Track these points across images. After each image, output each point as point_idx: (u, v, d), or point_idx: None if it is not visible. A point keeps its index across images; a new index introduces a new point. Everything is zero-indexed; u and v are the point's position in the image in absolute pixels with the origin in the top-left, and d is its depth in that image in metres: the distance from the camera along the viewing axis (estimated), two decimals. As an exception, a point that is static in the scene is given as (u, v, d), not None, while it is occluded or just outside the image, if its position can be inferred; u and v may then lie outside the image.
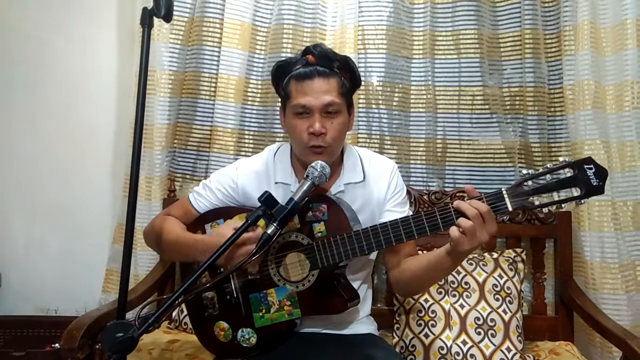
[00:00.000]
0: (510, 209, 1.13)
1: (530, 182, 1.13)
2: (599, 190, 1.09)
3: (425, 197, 1.96)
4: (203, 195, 1.45)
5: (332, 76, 1.32)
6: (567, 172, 1.10)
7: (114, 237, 2.14)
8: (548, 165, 1.13)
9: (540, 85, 1.99)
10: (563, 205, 1.11)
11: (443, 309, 1.69)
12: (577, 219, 1.92)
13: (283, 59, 1.43)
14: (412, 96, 2.08)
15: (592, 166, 1.10)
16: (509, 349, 1.62)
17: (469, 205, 1.12)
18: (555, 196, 1.11)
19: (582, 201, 1.10)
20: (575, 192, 1.09)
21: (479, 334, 1.64)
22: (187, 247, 1.32)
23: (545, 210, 1.13)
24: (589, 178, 1.09)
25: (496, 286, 1.72)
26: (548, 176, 1.12)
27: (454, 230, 1.13)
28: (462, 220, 1.12)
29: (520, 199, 1.13)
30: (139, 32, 2.04)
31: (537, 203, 1.12)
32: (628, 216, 1.90)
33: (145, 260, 2.05)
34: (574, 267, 1.92)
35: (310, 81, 1.30)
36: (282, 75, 1.36)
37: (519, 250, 1.86)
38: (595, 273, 1.86)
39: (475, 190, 1.17)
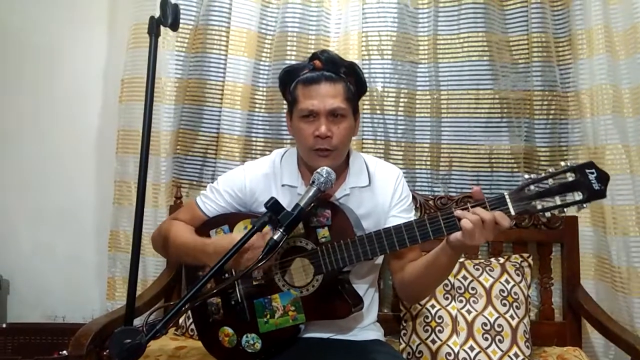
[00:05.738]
0: (512, 213, 1.13)
1: (532, 187, 1.13)
2: (601, 194, 1.09)
3: (430, 202, 1.95)
4: (211, 199, 1.45)
5: (339, 81, 1.33)
6: (570, 177, 1.10)
7: (108, 245, 2.14)
8: (550, 170, 1.12)
9: (549, 89, 1.98)
10: (565, 210, 1.11)
11: (450, 314, 1.68)
12: (602, 223, 1.90)
13: (290, 64, 1.43)
14: (418, 101, 2.08)
15: (593, 170, 1.09)
16: (516, 355, 1.61)
17: (471, 213, 1.14)
18: (558, 200, 1.11)
19: (584, 205, 1.10)
20: (578, 196, 1.09)
21: (486, 339, 1.63)
22: (196, 250, 1.32)
23: (547, 214, 1.13)
24: (590, 182, 1.08)
25: (503, 291, 1.71)
26: (550, 180, 1.11)
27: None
28: (464, 222, 1.14)
29: (523, 203, 1.13)
30: (131, 36, 2.10)
31: (539, 207, 1.12)
32: None
33: (152, 266, 2.06)
34: (601, 272, 1.91)
35: (317, 86, 1.32)
36: (290, 80, 1.38)
37: (525, 255, 1.85)
38: (623, 278, 1.84)
39: (481, 193, 1.17)
